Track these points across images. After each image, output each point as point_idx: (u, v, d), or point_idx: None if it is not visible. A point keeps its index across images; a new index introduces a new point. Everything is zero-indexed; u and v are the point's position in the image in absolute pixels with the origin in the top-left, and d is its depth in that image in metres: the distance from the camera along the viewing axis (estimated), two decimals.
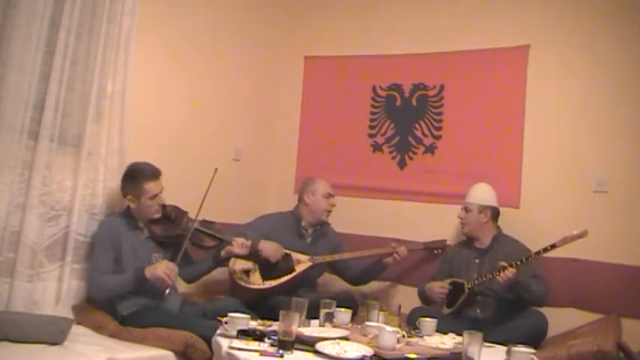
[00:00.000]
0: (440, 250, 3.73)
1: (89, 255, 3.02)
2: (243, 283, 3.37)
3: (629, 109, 3.39)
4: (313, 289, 3.65)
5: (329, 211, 3.68)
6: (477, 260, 3.40)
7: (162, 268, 2.84)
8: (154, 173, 3.03)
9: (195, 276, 3.29)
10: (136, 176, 3.01)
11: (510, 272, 3.05)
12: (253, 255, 3.30)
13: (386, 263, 3.62)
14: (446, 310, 3.33)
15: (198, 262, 3.28)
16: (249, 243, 3.25)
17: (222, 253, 3.22)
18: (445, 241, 3.74)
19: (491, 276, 3.17)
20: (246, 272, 3.39)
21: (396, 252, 3.59)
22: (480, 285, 3.25)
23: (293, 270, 3.45)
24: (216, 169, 3.03)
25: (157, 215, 3.08)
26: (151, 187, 3.00)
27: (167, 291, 2.90)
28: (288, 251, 3.49)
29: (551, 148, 3.57)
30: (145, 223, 3.10)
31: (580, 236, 3.02)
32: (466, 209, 3.45)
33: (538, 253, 3.10)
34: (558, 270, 3.34)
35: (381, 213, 3.93)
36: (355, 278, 3.78)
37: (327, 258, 3.60)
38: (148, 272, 2.84)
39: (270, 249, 3.37)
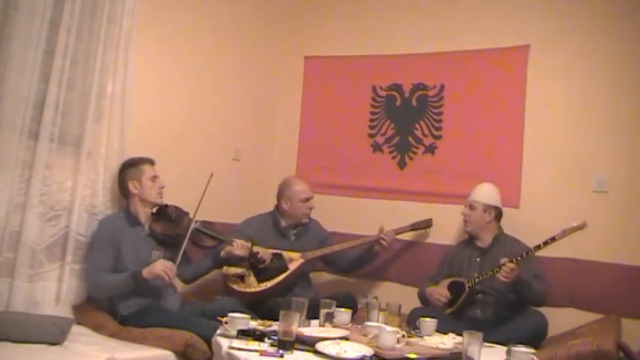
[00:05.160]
0: (427, 230, 3.79)
1: (87, 254, 3.02)
2: (239, 288, 3.37)
3: (629, 108, 3.39)
4: (308, 286, 3.67)
5: (308, 214, 3.67)
6: (477, 259, 3.41)
7: (160, 267, 2.85)
8: (150, 159, 3.18)
9: (194, 277, 3.29)
10: (134, 160, 3.14)
11: (511, 267, 3.04)
12: (251, 257, 3.30)
13: (376, 251, 3.66)
14: (447, 310, 3.33)
15: (197, 262, 3.29)
16: (249, 244, 3.26)
17: (222, 253, 3.23)
18: (431, 220, 3.78)
19: (492, 273, 3.16)
20: (241, 277, 3.39)
21: (382, 237, 3.61)
22: (480, 283, 3.24)
23: (287, 268, 3.46)
24: (211, 175, 3.02)
25: (160, 200, 3.13)
26: (149, 168, 3.13)
27: (168, 286, 2.90)
28: (279, 251, 3.50)
29: (551, 147, 3.57)
30: (147, 218, 3.11)
31: (579, 228, 3.02)
32: (471, 207, 3.44)
33: (538, 247, 3.09)
34: (558, 270, 3.34)
35: (381, 213, 3.93)
36: (346, 268, 3.82)
37: (318, 253, 3.62)
38: (146, 272, 2.85)
39: (261, 249, 3.39)
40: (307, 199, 3.65)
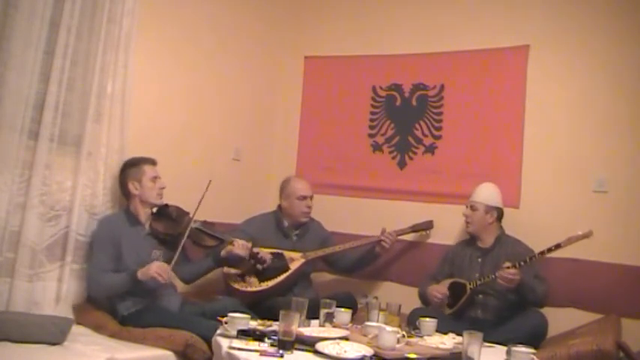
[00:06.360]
0: (427, 231, 3.79)
1: (89, 254, 3.02)
2: (240, 287, 3.38)
3: (629, 108, 3.39)
4: (309, 286, 3.67)
5: (306, 213, 3.67)
6: (479, 259, 3.40)
7: (154, 269, 2.84)
8: (151, 159, 3.17)
9: (194, 276, 3.30)
10: (136, 160, 3.14)
11: (512, 273, 3.04)
12: (251, 257, 3.31)
13: (377, 252, 3.66)
14: (447, 311, 3.32)
15: (197, 262, 3.29)
16: (249, 244, 3.26)
17: (223, 253, 3.23)
18: (432, 221, 3.78)
19: (493, 276, 3.16)
20: (242, 276, 3.40)
21: (383, 238, 3.61)
22: (482, 286, 3.25)
23: (288, 268, 3.46)
24: (209, 182, 3.01)
25: (160, 200, 3.13)
26: (150, 168, 3.12)
27: (166, 286, 2.92)
28: (280, 250, 3.50)
29: (551, 148, 3.57)
30: (147, 217, 3.12)
31: (585, 236, 3.03)
32: (472, 208, 3.44)
33: (542, 253, 3.10)
34: (558, 270, 3.34)
35: (381, 213, 3.93)
36: (348, 269, 3.83)
37: (319, 253, 3.62)
38: (140, 273, 2.85)
39: (262, 250, 3.39)
40: (304, 197, 3.64)
